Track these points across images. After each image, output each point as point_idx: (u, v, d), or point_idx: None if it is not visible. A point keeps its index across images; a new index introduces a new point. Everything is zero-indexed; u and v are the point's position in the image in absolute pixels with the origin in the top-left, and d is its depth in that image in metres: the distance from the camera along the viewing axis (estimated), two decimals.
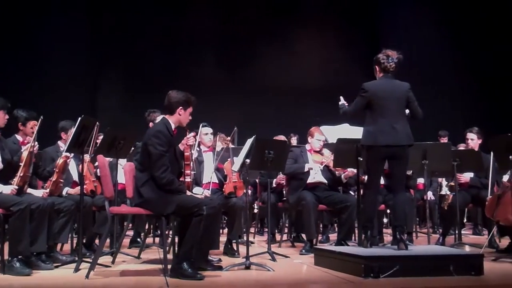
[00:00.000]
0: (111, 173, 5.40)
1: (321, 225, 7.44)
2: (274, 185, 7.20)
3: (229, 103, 11.77)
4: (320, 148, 6.61)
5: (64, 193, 5.69)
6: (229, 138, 6.80)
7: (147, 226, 6.94)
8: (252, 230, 8.10)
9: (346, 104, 5.32)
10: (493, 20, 12.04)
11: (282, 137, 7.67)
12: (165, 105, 4.79)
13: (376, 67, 5.19)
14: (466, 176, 6.79)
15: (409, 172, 6.66)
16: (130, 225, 6.52)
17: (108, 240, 5.92)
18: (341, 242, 6.00)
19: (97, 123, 5.43)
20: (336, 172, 6.48)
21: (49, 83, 10.97)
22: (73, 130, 4.99)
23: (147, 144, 4.58)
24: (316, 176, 6.42)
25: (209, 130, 6.34)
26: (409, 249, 4.87)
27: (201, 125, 6.18)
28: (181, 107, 4.72)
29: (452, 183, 6.62)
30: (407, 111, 5.15)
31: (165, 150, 4.55)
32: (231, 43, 12.52)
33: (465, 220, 8.85)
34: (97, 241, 6.04)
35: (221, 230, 6.19)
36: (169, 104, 4.74)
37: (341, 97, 5.39)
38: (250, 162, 5.28)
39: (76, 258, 4.97)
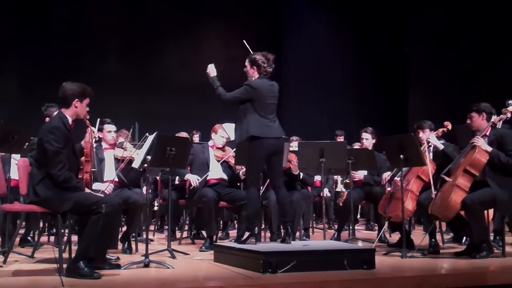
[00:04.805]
0: (3, 168, 5.18)
1: (221, 222, 7.49)
2: (177, 182, 7.18)
3: (131, 99, 11.56)
4: (223, 144, 6.68)
5: None
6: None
7: (41, 224, 6.69)
8: (151, 227, 8.02)
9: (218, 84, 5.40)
10: (391, 21, 12.65)
11: (184, 134, 7.66)
12: (60, 98, 4.61)
13: (255, 67, 5.33)
14: (360, 174, 7.08)
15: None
16: (24, 223, 6.27)
17: None
18: (240, 238, 6.08)
19: None
20: (236, 169, 6.57)
21: None
22: None
23: (42, 140, 4.41)
24: (217, 172, 6.48)
25: (112, 127, 6.18)
26: (305, 245, 5.04)
27: (99, 120, 6.02)
28: (77, 99, 4.55)
29: (347, 181, 6.88)
30: None
31: (61, 147, 4.40)
32: (135, 37, 12.30)
33: (358, 216, 9.24)
34: None
35: (120, 228, 6.08)
36: (64, 96, 4.57)
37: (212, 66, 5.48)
38: (151, 159, 5.23)
39: None
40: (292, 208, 6.16)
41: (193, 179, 6.34)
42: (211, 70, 5.48)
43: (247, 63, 5.40)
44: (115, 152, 6.03)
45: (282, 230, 5.42)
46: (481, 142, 5.37)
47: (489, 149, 5.34)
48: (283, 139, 5.43)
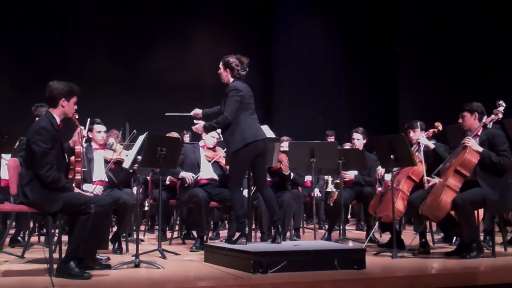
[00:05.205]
0: None
1: (211, 222, 7.48)
2: (167, 182, 7.16)
3: (122, 99, 11.53)
4: (213, 145, 6.68)
5: None
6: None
7: (31, 224, 6.66)
8: (142, 227, 8.00)
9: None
10: (382, 22, 12.69)
11: (175, 134, 7.65)
12: (46, 98, 4.58)
13: (228, 70, 5.34)
14: (351, 174, 7.08)
15: None
16: (14, 223, 6.24)
17: None
18: (231, 238, 6.08)
19: None
20: (227, 169, 6.56)
21: None
22: None
23: (30, 141, 4.38)
24: (207, 172, 6.48)
25: (102, 128, 6.14)
26: (296, 245, 5.05)
27: (89, 120, 5.99)
28: (63, 98, 4.52)
29: (338, 181, 6.89)
30: None
31: (49, 147, 4.37)
32: (125, 37, 12.26)
33: (349, 216, 9.26)
34: None
35: (111, 229, 6.06)
36: (51, 96, 4.53)
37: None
38: (142, 159, 5.22)
39: None
40: (283, 208, 6.18)
41: (188, 176, 6.34)
42: (199, 126, 5.44)
43: (220, 66, 5.41)
44: (105, 154, 6.00)
45: (272, 230, 5.43)
46: (472, 143, 5.39)
47: (480, 149, 5.35)
48: (268, 140, 5.45)
